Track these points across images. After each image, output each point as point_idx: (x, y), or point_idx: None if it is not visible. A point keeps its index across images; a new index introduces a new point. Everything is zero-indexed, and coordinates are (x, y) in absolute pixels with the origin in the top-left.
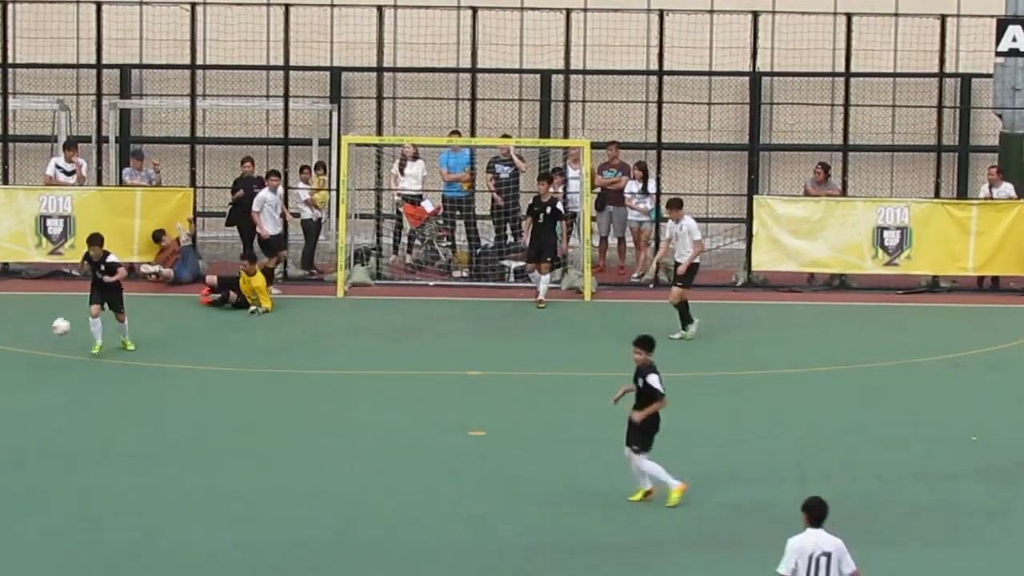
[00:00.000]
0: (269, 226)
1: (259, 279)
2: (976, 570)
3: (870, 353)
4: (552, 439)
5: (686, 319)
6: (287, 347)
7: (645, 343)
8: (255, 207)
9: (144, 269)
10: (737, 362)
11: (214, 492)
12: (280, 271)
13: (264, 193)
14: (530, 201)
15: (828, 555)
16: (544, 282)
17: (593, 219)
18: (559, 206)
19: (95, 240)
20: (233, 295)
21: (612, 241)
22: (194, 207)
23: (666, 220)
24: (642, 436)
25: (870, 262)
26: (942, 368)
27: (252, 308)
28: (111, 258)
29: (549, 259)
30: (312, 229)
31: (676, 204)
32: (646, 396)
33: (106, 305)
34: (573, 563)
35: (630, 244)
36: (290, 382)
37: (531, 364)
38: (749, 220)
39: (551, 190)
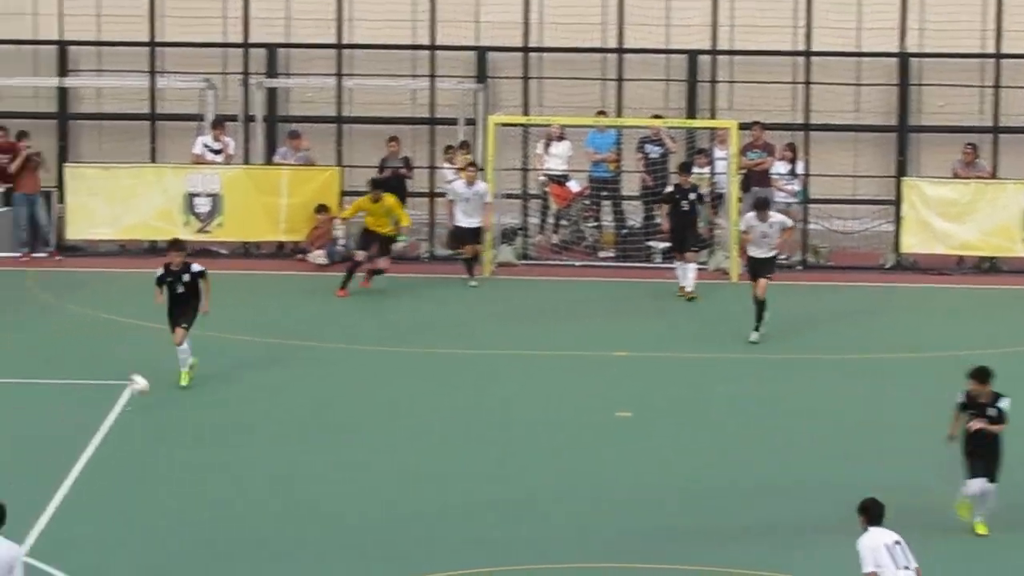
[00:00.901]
0: (461, 218)
1: (389, 198)
2: None
3: None
4: (697, 421)
5: (761, 318)
6: (433, 327)
7: (982, 375)
8: (449, 196)
9: (309, 259)
10: (891, 344)
11: (367, 469)
12: (426, 251)
13: (457, 185)
14: (670, 188)
15: (899, 543)
16: (690, 271)
17: (740, 200)
18: (701, 191)
19: (177, 246)
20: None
21: None
22: (340, 186)
23: (811, 202)
24: (996, 464)
25: (1020, 245)
26: None
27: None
28: (195, 267)
29: (694, 248)
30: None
31: (765, 205)
32: (995, 422)
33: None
34: (717, 545)
35: None
36: (437, 362)
37: (677, 345)
38: (897, 202)
39: (695, 171)
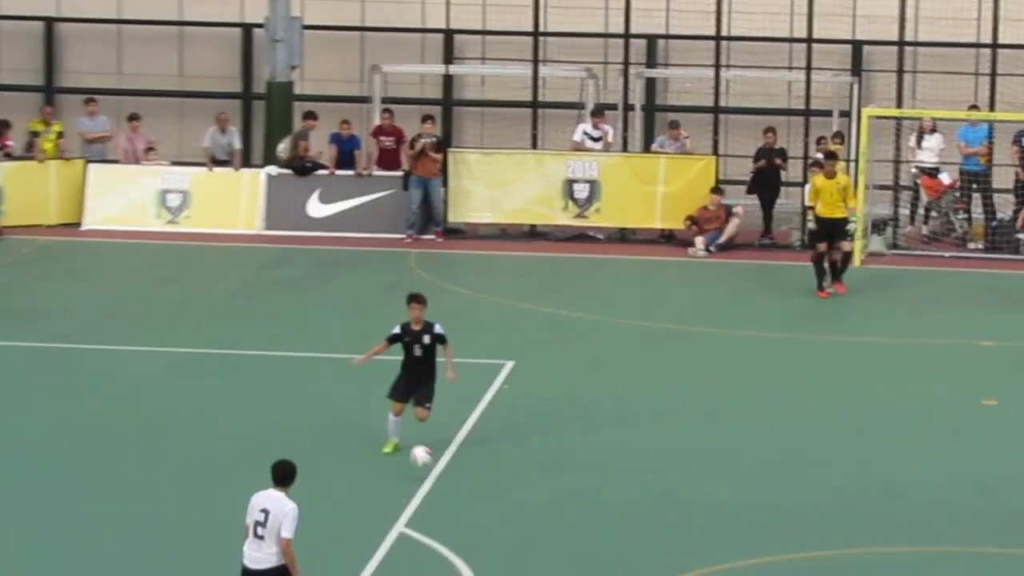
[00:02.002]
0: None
1: (844, 177)
2: None
3: None
4: None
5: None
6: (801, 313)
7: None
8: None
9: (690, 253)
10: None
11: (726, 452)
12: (797, 239)
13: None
14: None
15: None
16: None
17: None
18: None
19: (419, 299)
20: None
21: None
22: (716, 175)
23: None
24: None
25: None
26: None
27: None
28: (437, 328)
29: None
30: None
31: None
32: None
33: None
34: None
35: None
36: (804, 348)
37: None
38: None
39: None
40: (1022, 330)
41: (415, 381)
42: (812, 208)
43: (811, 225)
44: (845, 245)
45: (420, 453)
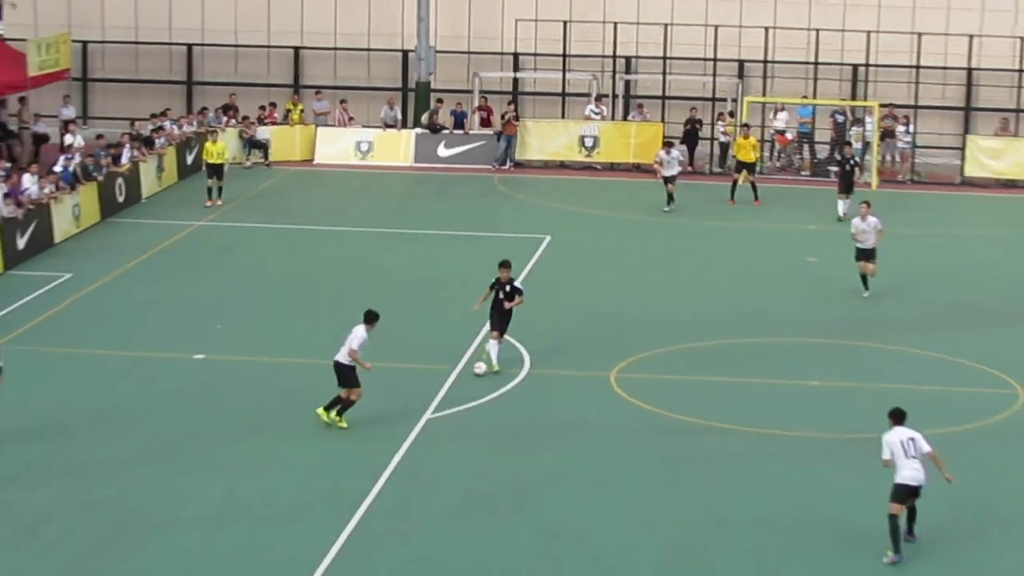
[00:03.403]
0: None
1: None
2: None
3: None
4: None
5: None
6: (706, 210)
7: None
8: None
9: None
10: None
11: (654, 284)
12: None
13: None
14: None
15: (913, 439)
16: None
17: None
18: None
19: (506, 264)
20: None
21: None
22: (663, 133)
23: None
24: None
25: None
26: None
27: None
28: (517, 283)
29: None
30: None
31: (867, 204)
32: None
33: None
34: None
35: None
36: (701, 228)
37: None
38: None
39: None
40: (832, 221)
41: (499, 316)
42: (736, 155)
43: (731, 163)
44: (749, 175)
45: (481, 367)
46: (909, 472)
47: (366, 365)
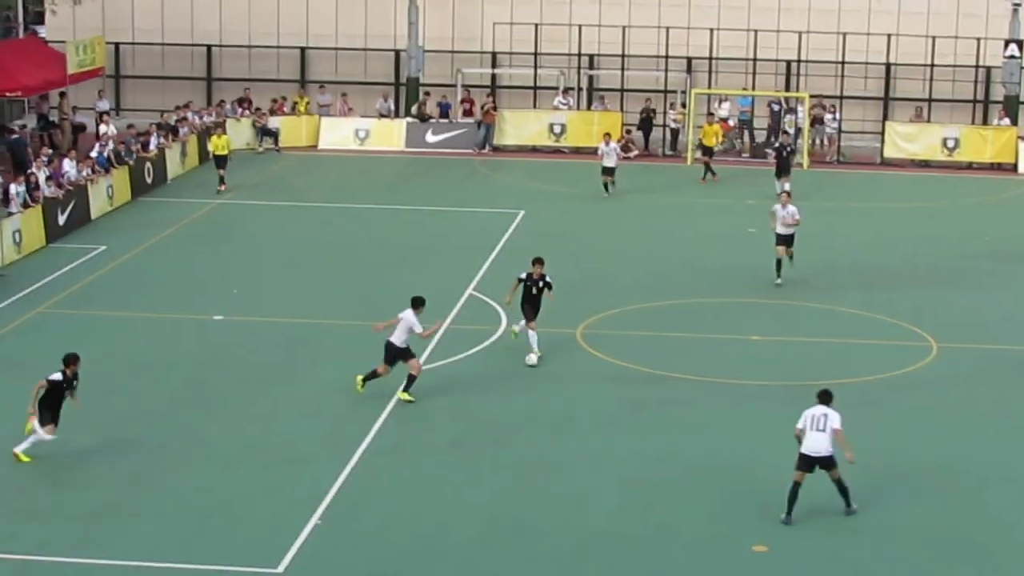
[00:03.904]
0: None
1: None
2: None
3: None
4: None
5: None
6: (660, 183)
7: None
8: None
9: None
10: None
11: (609, 251)
12: None
13: None
14: None
15: (826, 415)
16: None
17: None
18: None
19: (540, 261)
20: None
21: None
22: (622, 121)
23: None
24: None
25: None
26: None
27: None
28: (547, 278)
29: None
30: None
31: (787, 194)
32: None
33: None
34: None
35: None
36: (655, 203)
37: None
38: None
39: None
40: (771, 196)
41: (532, 307)
42: (702, 140)
43: (698, 148)
44: (705, 157)
45: (532, 358)
46: (811, 443)
47: (430, 331)
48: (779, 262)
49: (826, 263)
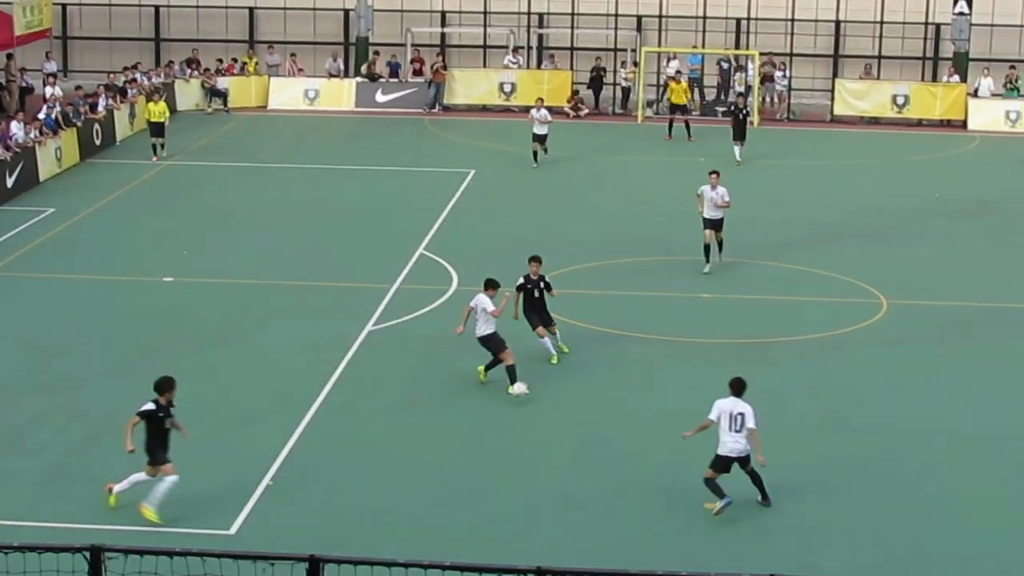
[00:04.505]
0: None
1: None
2: None
3: None
4: None
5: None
6: (612, 140)
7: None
8: None
9: (571, 116)
10: None
11: (572, 202)
12: None
13: None
14: None
15: (742, 414)
16: None
17: None
18: None
19: (535, 259)
20: None
21: None
22: (572, 81)
23: None
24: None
25: None
26: None
27: None
28: (547, 279)
29: None
30: None
31: (716, 173)
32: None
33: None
34: None
35: None
36: (607, 160)
37: None
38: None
39: None
40: (718, 151)
41: (537, 313)
42: (670, 98)
43: (666, 105)
44: (680, 116)
45: (520, 387)
46: (730, 444)
47: (502, 305)
48: (707, 248)
49: (776, 221)
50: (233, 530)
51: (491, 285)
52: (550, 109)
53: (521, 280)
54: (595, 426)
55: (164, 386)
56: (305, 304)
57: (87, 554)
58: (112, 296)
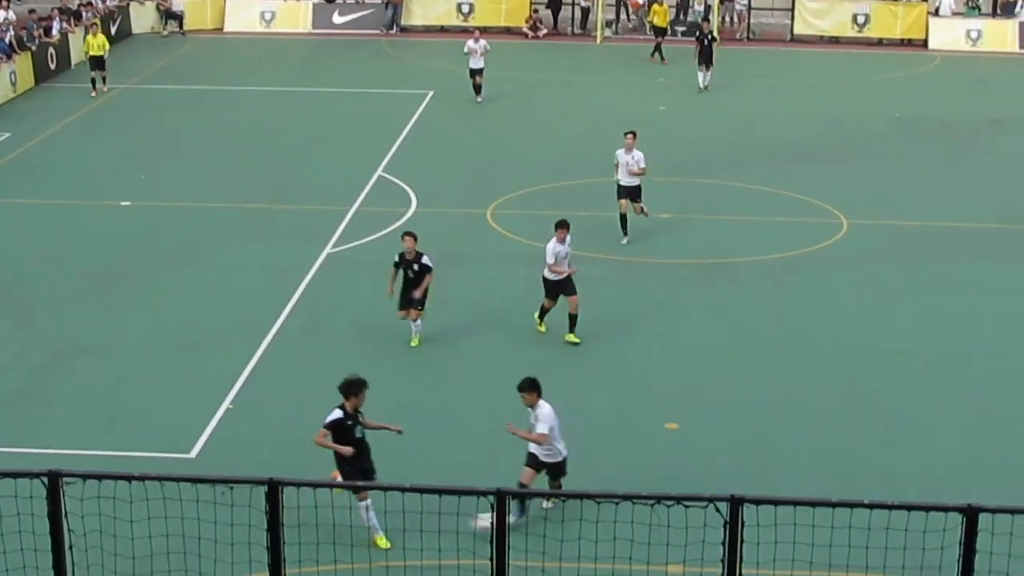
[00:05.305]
0: None
1: None
2: None
3: None
4: None
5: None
6: (592, 59)
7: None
8: None
9: (530, 36)
10: None
11: (549, 135)
12: None
13: None
14: None
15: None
16: None
17: None
18: None
19: (411, 235)
20: None
21: None
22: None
23: None
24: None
25: None
26: None
27: None
28: (425, 260)
29: None
30: None
31: (633, 134)
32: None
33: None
34: None
35: None
36: (584, 82)
37: None
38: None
39: None
40: (681, 76)
41: (410, 294)
42: (652, 21)
43: (651, 28)
44: (657, 38)
45: (482, 521)
46: (560, 446)
47: (561, 271)
48: (623, 218)
49: (736, 141)
50: (193, 454)
51: (561, 225)
52: (508, 29)
53: (397, 258)
54: (554, 348)
55: (351, 390)
56: (263, 227)
57: (45, 479)
58: (69, 221)
